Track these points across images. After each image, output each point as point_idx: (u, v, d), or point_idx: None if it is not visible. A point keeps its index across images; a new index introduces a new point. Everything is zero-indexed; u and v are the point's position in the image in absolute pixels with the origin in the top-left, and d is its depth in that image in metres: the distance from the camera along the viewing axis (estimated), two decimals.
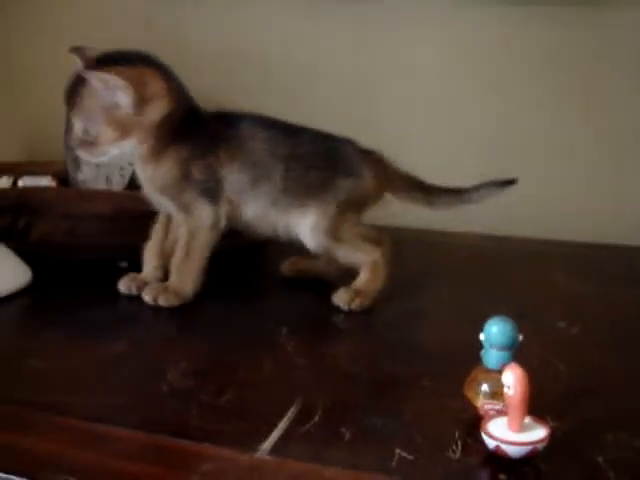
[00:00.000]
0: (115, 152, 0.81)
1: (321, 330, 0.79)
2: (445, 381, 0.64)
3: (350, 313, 0.81)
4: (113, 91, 0.77)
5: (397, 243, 0.86)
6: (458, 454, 0.54)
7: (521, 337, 0.57)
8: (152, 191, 0.83)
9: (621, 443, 0.55)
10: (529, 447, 0.52)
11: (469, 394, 0.58)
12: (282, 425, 0.57)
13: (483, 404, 0.56)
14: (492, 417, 0.55)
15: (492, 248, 1.07)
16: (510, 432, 0.53)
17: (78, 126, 0.80)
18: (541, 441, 0.52)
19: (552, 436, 0.53)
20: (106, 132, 0.79)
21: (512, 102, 1.11)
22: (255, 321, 0.79)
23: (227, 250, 0.86)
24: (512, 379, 0.52)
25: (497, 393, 0.56)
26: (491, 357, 0.57)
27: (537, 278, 0.95)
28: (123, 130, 0.79)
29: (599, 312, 0.84)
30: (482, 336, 0.57)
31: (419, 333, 0.78)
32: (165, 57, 0.83)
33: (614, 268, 1.00)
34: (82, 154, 0.82)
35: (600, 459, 0.53)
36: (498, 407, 0.56)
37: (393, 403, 0.62)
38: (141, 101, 0.78)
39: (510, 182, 0.86)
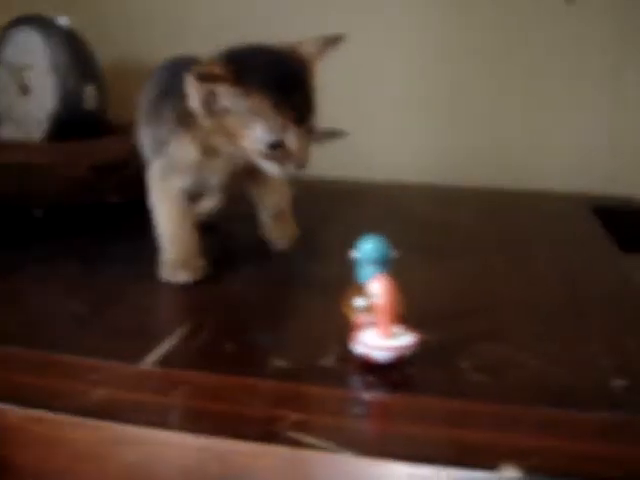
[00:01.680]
0: None
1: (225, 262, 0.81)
2: (333, 304, 0.66)
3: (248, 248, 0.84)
4: None
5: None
6: (332, 362, 0.57)
7: (394, 253, 0.60)
8: None
9: (486, 352, 0.59)
10: (395, 352, 0.55)
11: (346, 310, 0.61)
12: (169, 342, 0.60)
13: (358, 317, 0.59)
14: (364, 328, 0.58)
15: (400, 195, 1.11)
16: (379, 339, 0.56)
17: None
18: (408, 347, 0.55)
19: (425, 346, 0.56)
20: None
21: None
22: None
23: None
24: (378, 288, 0.55)
25: (372, 307, 0.58)
26: (364, 272, 0.60)
27: (439, 219, 0.99)
28: None
29: (491, 248, 0.87)
30: (356, 253, 0.60)
31: (315, 268, 0.81)
32: None
33: (516, 211, 1.04)
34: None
35: (464, 364, 0.57)
36: (371, 319, 0.59)
37: (279, 323, 0.65)
38: None
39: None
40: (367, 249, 0.59)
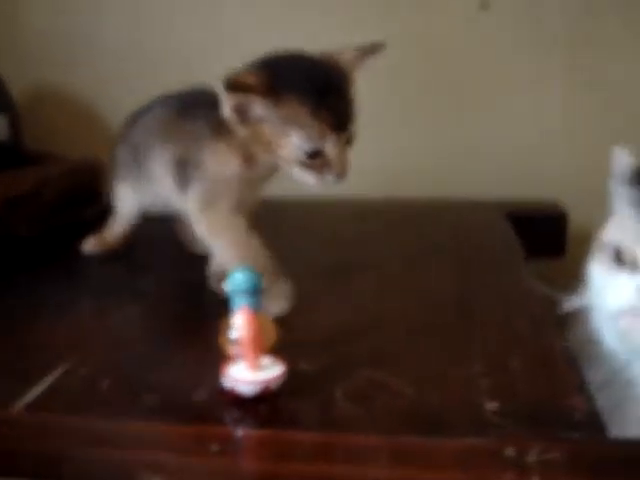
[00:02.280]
0: None
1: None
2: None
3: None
4: None
5: None
6: (204, 396, 0.56)
7: (264, 283, 0.59)
8: None
9: (362, 378, 0.58)
10: (260, 385, 0.54)
11: (221, 342, 0.60)
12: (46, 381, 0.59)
13: (231, 349, 0.59)
14: (236, 361, 0.57)
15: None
16: (246, 372, 0.55)
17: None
18: (274, 379, 0.55)
19: (300, 375, 0.57)
20: None
21: None
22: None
23: None
24: (240, 321, 0.55)
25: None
26: (236, 304, 0.59)
27: (349, 234, 0.98)
28: None
29: (395, 263, 0.87)
30: (227, 286, 0.59)
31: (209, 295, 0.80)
32: None
33: (426, 222, 1.04)
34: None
35: (338, 393, 0.56)
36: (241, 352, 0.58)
37: (164, 355, 0.64)
38: None
39: None
40: (236, 280, 0.58)
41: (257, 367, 0.55)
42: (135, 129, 0.80)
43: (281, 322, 0.63)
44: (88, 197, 1.06)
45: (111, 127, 1.19)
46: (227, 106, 0.67)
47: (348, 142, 0.68)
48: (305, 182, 0.69)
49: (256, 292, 0.59)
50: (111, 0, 1.17)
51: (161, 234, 0.90)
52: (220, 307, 0.57)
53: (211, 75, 0.65)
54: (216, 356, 0.58)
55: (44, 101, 1.20)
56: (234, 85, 0.64)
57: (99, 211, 1.05)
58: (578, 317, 0.77)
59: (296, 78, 0.66)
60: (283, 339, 0.61)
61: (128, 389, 0.58)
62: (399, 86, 1.14)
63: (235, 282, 0.58)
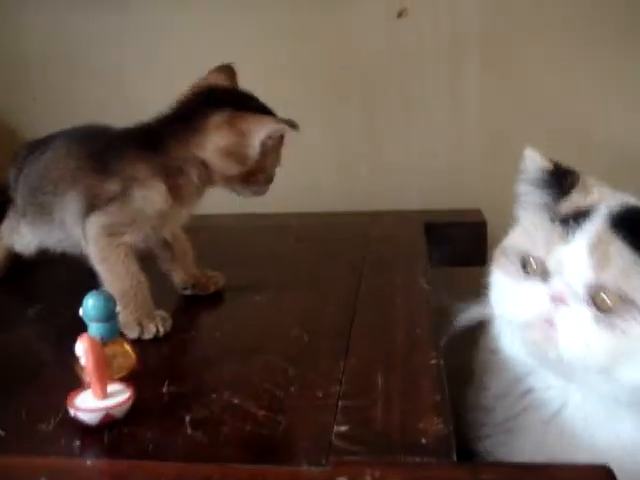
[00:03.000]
0: None
1: None
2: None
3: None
4: None
5: None
6: (51, 426, 0.55)
7: (118, 309, 0.59)
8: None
9: (213, 403, 0.58)
10: (101, 413, 0.54)
11: (77, 369, 0.59)
12: None
13: (84, 376, 0.58)
14: (86, 388, 0.57)
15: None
16: (89, 400, 0.55)
17: None
18: (117, 406, 0.54)
19: (154, 401, 0.57)
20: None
21: None
22: None
23: None
24: (82, 348, 0.54)
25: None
26: (91, 331, 0.58)
27: (261, 250, 0.98)
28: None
29: (301, 278, 0.87)
30: (81, 311, 0.59)
31: None
32: None
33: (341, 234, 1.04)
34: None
35: (187, 418, 0.56)
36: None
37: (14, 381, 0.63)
38: None
39: None
40: (88, 306, 0.58)
41: (102, 395, 0.55)
42: (35, 167, 0.79)
43: (149, 347, 0.64)
44: None
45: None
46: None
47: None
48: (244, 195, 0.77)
49: (107, 318, 0.58)
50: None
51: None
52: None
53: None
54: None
55: None
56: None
57: None
58: (482, 326, 0.77)
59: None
60: (147, 365, 0.61)
61: None
62: (316, 99, 1.13)
63: (85, 308, 0.58)
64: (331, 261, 0.92)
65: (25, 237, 0.83)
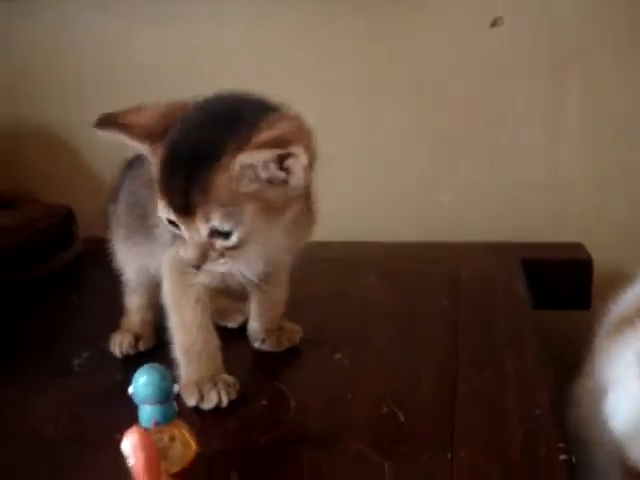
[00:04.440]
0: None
1: None
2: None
3: None
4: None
5: None
6: None
7: (176, 388, 0.48)
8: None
9: None
10: None
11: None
12: None
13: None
14: None
15: None
16: None
17: (206, 231, 0.54)
18: None
19: None
20: (262, 224, 0.55)
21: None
22: None
23: None
24: (129, 446, 0.43)
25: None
26: (143, 414, 0.48)
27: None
28: (280, 210, 0.57)
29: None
30: (131, 389, 0.48)
31: None
32: None
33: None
34: (209, 268, 0.57)
35: None
36: None
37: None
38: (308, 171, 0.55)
39: None
40: (139, 385, 0.47)
41: None
42: (135, 181, 0.67)
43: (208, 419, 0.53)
44: (55, 247, 0.96)
45: (95, 174, 1.10)
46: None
47: (215, 234, 0.54)
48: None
49: (162, 400, 0.48)
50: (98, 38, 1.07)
51: None
52: None
53: None
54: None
55: (15, 139, 1.11)
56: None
57: (69, 260, 0.97)
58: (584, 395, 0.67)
59: (178, 129, 0.56)
60: (205, 445, 0.50)
61: None
62: (397, 116, 1.01)
63: (136, 387, 0.47)
64: (418, 305, 0.79)
65: (132, 266, 0.70)
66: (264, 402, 0.61)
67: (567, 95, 0.98)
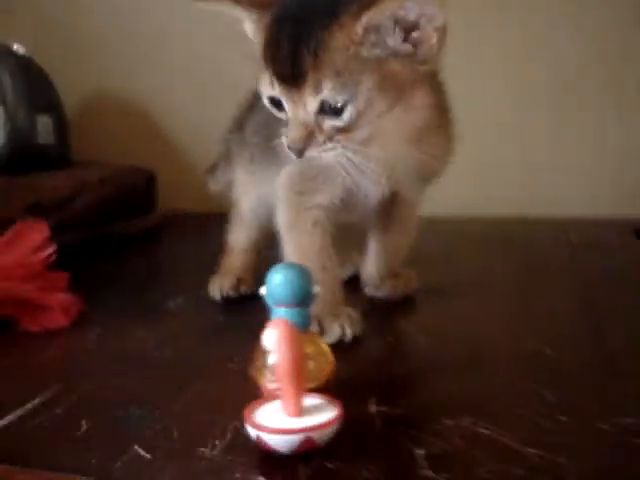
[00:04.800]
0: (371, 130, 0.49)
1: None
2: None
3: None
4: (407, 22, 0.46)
5: None
6: (216, 450, 0.38)
7: (316, 289, 0.42)
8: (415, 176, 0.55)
9: (453, 432, 0.39)
10: (299, 436, 0.36)
11: (254, 372, 0.42)
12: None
13: (267, 382, 0.41)
14: (270, 399, 0.39)
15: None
16: (280, 417, 0.37)
17: (315, 106, 0.47)
18: (319, 428, 0.36)
19: (359, 424, 0.39)
20: (378, 101, 0.47)
21: None
22: None
23: None
24: (274, 340, 0.37)
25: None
26: (273, 316, 0.41)
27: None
28: (403, 89, 0.48)
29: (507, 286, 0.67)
30: (263, 290, 0.42)
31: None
32: None
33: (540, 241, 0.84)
34: (313, 154, 0.49)
35: (418, 452, 0.37)
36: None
37: (168, 391, 0.46)
38: (441, 41, 0.47)
39: None
40: (275, 284, 0.41)
41: (297, 409, 0.37)
42: (263, 109, 0.56)
43: (341, 352, 0.46)
44: (136, 208, 0.92)
45: (168, 139, 1.07)
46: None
47: (324, 111, 0.47)
48: None
49: (301, 302, 0.41)
50: (177, 7, 1.04)
51: None
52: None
53: None
54: (242, 391, 0.41)
55: (98, 108, 1.08)
56: None
57: (150, 225, 0.93)
58: None
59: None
60: (339, 375, 0.43)
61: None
62: (506, 97, 0.94)
63: (271, 286, 0.41)
64: (535, 269, 0.72)
65: (251, 200, 0.65)
66: (390, 339, 0.54)
67: None
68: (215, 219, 0.90)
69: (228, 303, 0.64)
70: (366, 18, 0.45)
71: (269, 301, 0.41)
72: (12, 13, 1.07)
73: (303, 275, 0.41)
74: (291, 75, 0.47)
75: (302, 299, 0.41)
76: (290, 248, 0.56)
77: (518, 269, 0.72)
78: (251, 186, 0.64)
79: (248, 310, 0.62)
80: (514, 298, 0.63)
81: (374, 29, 0.45)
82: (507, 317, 0.58)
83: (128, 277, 0.74)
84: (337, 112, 0.47)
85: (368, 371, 0.48)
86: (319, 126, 0.48)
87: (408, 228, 0.61)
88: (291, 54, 0.46)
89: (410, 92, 0.49)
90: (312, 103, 0.47)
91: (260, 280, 0.63)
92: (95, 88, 1.10)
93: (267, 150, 0.58)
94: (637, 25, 0.90)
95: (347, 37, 0.46)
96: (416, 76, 0.48)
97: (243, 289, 0.65)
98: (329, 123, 0.47)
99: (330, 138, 0.48)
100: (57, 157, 0.95)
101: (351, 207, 0.56)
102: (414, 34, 0.46)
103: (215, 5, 0.52)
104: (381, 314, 0.60)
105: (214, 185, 0.74)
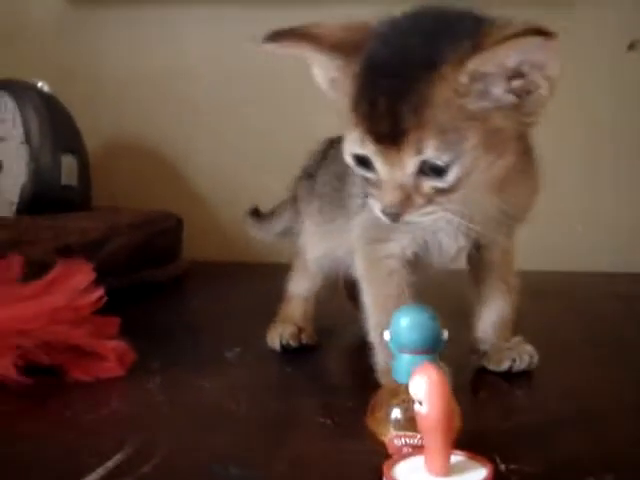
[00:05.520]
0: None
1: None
2: (352, 415, 0.44)
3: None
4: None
5: None
6: None
7: (446, 334, 0.38)
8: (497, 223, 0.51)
9: None
10: None
11: (374, 425, 0.38)
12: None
13: (393, 438, 0.37)
14: (405, 456, 0.35)
15: None
16: (428, 476, 0.33)
17: (415, 167, 0.43)
18: None
19: None
20: (484, 159, 0.43)
21: None
22: None
23: None
24: (424, 388, 0.33)
25: (414, 419, 0.36)
26: (402, 366, 0.38)
27: None
28: (506, 145, 0.45)
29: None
30: (387, 335, 0.38)
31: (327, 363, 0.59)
32: None
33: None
34: (411, 219, 0.45)
35: None
36: (414, 441, 0.36)
37: (267, 447, 0.42)
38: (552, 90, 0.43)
39: None
40: (402, 328, 0.37)
41: (445, 468, 0.33)
42: (337, 158, 0.52)
43: None
44: (164, 255, 0.88)
45: (192, 185, 1.03)
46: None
47: (424, 172, 0.43)
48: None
49: (433, 347, 0.38)
50: (198, 51, 1.02)
51: None
52: None
53: None
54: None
55: (118, 153, 1.04)
56: None
57: (176, 273, 0.88)
58: None
59: (380, 39, 0.44)
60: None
61: None
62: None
63: (397, 330, 0.37)
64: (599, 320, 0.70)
65: (318, 252, 0.61)
66: (484, 394, 0.51)
67: None
68: (240, 268, 0.87)
69: (287, 353, 0.60)
70: (472, 65, 0.41)
71: (394, 347, 0.38)
72: (35, 53, 1.03)
73: (434, 317, 0.38)
74: (389, 134, 0.42)
75: (435, 344, 0.37)
76: (368, 299, 0.52)
77: (583, 321, 0.70)
78: (317, 237, 0.60)
79: (310, 360, 0.59)
80: (592, 350, 0.60)
81: (481, 77, 0.41)
82: (595, 371, 0.55)
83: (173, 326, 0.69)
84: (439, 172, 0.42)
85: (475, 427, 0.44)
86: (417, 188, 0.43)
87: (504, 280, 0.55)
88: (389, 111, 0.42)
89: (510, 147, 0.45)
90: (412, 164, 0.42)
91: (319, 330, 0.62)
92: (115, 132, 1.07)
93: (336, 202, 0.56)
94: None
95: (450, 89, 0.41)
96: (522, 131, 0.45)
97: (304, 338, 0.61)
98: (429, 184, 0.43)
99: (430, 201, 0.43)
100: (80, 200, 0.91)
101: (427, 257, 0.52)
102: (515, 82, 0.42)
103: (291, 49, 0.46)
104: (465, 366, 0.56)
105: (261, 233, 0.72)
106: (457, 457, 0.34)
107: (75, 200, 0.89)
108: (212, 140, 1.02)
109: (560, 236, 0.94)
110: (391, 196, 0.43)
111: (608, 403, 0.48)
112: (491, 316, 0.55)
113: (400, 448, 0.36)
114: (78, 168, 0.90)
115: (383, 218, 0.45)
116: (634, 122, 0.94)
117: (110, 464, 0.40)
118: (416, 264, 0.52)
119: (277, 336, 0.60)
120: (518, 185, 0.49)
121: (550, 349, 0.58)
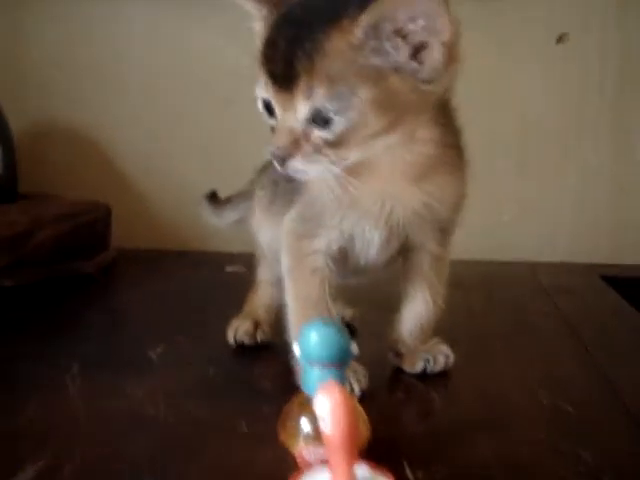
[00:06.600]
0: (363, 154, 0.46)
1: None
2: (269, 422, 0.44)
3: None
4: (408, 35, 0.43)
5: None
6: None
7: (354, 348, 0.39)
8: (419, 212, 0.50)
9: None
10: None
11: (284, 436, 0.39)
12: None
13: (301, 449, 0.38)
14: (311, 468, 0.36)
15: None
16: None
17: (305, 112, 0.44)
18: None
19: None
20: (374, 118, 0.44)
21: None
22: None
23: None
24: (327, 408, 0.34)
25: (319, 434, 0.37)
26: (311, 379, 0.38)
27: None
28: (402, 111, 0.45)
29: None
30: (296, 348, 0.39)
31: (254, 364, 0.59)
32: None
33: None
34: (296, 165, 0.46)
35: None
36: (322, 453, 0.37)
37: (185, 456, 0.42)
38: (450, 59, 0.44)
39: None
40: (312, 342, 0.38)
41: None
42: None
43: None
44: (92, 246, 0.86)
45: (121, 172, 1.02)
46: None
47: (315, 122, 0.44)
48: None
49: (341, 361, 0.39)
50: (125, 31, 1.00)
51: None
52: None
53: None
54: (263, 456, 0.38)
55: (45, 139, 1.02)
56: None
57: (104, 264, 0.87)
58: None
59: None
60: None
61: None
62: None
63: (306, 344, 0.38)
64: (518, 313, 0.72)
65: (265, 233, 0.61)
66: (400, 395, 0.52)
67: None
68: (170, 257, 0.86)
69: (214, 353, 0.60)
70: (366, 18, 0.42)
71: (304, 360, 0.38)
72: None
73: (341, 331, 0.38)
74: (283, 76, 0.44)
75: (343, 358, 0.38)
76: (290, 295, 0.53)
77: (503, 315, 0.72)
78: (266, 225, 0.60)
79: (236, 361, 0.59)
80: (509, 347, 0.62)
81: (373, 33, 0.42)
82: (511, 370, 0.57)
83: (97, 322, 0.69)
84: (327, 122, 0.44)
85: (387, 431, 0.46)
86: (306, 135, 0.45)
87: (431, 287, 0.55)
88: (286, 54, 0.44)
89: (413, 120, 0.46)
90: (302, 109, 0.44)
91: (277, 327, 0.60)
92: (43, 118, 1.04)
93: (283, 193, 0.56)
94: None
95: (345, 41, 0.43)
96: (420, 100, 0.45)
97: (259, 336, 0.61)
98: (317, 134, 0.44)
99: (317, 151, 0.45)
100: (6, 188, 0.88)
101: (354, 254, 0.53)
102: (423, 53, 0.43)
103: None
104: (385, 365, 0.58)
105: (215, 219, 0.72)
106: (361, 469, 0.35)
107: (0, 190, 0.87)
108: (141, 127, 1.01)
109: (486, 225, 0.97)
110: (280, 138, 0.45)
111: (522, 404, 0.50)
112: (410, 321, 0.56)
113: (308, 460, 0.37)
114: (3, 155, 0.88)
115: (274, 163, 0.46)
116: (562, 113, 0.96)
117: (22, 476, 0.40)
118: (345, 262, 0.52)
119: (232, 332, 0.61)
120: (442, 177, 0.50)
121: (468, 346, 0.60)
